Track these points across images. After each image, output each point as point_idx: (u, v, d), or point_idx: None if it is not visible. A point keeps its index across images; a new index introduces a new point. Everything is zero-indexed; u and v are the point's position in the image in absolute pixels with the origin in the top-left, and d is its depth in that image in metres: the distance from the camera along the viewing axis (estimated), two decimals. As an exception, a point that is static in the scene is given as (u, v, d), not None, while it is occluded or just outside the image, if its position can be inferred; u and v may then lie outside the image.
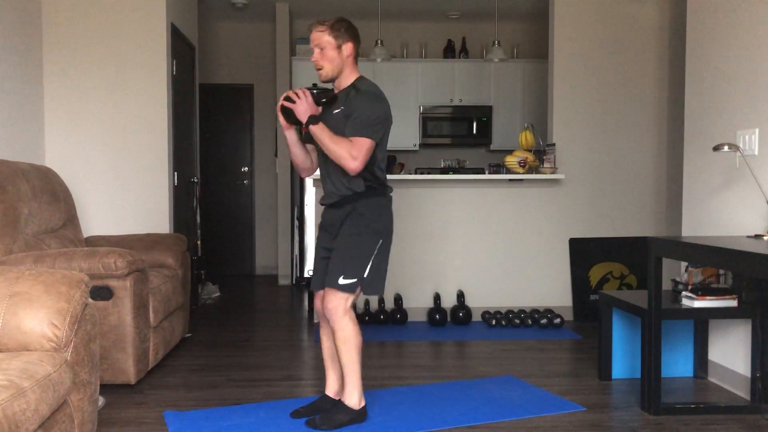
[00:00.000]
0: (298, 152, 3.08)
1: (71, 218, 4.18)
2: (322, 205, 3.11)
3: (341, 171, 2.93)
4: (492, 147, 7.72)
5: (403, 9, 7.29)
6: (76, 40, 4.82)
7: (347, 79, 2.98)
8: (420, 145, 7.68)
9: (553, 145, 5.31)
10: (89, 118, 4.86)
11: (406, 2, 7.04)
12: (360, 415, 2.98)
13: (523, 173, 5.13)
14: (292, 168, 7.43)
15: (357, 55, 2.98)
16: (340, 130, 2.89)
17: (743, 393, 3.41)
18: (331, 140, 2.84)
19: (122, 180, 4.91)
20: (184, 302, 4.41)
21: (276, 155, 7.56)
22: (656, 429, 2.98)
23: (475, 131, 7.64)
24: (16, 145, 4.36)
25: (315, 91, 2.94)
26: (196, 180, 6.05)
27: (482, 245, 5.31)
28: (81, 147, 4.86)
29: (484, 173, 6.56)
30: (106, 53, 4.86)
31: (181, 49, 5.54)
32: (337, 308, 2.91)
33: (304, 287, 6.81)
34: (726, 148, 3.23)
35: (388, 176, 3.48)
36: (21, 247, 3.49)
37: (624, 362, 3.73)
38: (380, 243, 2.97)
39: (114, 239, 4.36)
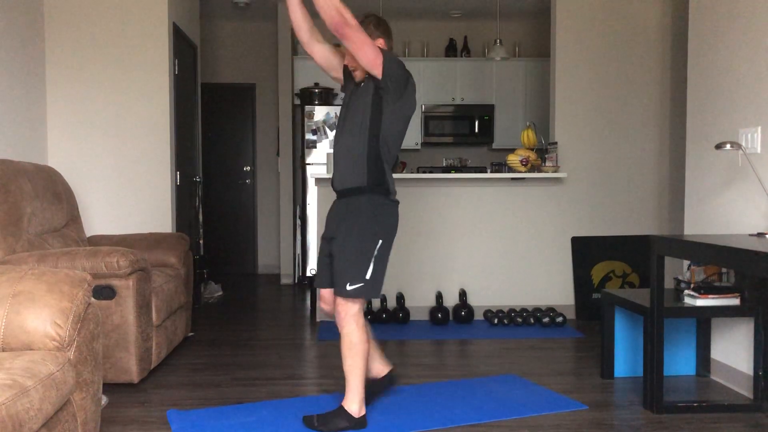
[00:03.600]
0: (295, 8, 2.96)
1: (74, 218, 4.19)
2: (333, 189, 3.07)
3: (350, 160, 2.89)
4: (494, 146, 7.72)
5: (404, 8, 7.28)
6: (78, 40, 4.83)
7: None
8: (422, 144, 7.68)
9: (555, 143, 5.30)
10: (92, 118, 4.88)
11: (407, 1, 7.04)
12: (360, 424, 2.91)
13: (525, 172, 5.13)
14: (294, 167, 7.46)
15: (390, 50, 2.91)
16: (365, 102, 2.88)
17: (746, 391, 3.41)
18: None
19: (125, 179, 4.92)
20: (186, 301, 4.42)
21: (278, 154, 7.56)
22: (659, 427, 2.98)
23: (477, 130, 7.64)
24: (19, 145, 4.37)
25: None
26: (198, 179, 6.05)
27: (484, 244, 5.31)
28: (83, 147, 4.87)
29: (486, 172, 6.55)
30: (109, 53, 4.87)
31: (183, 48, 5.54)
32: (346, 313, 2.90)
33: (307, 286, 6.81)
34: (728, 146, 3.22)
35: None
36: (24, 247, 3.49)
37: (626, 361, 3.73)
38: (379, 244, 2.90)
39: (116, 239, 4.37)
